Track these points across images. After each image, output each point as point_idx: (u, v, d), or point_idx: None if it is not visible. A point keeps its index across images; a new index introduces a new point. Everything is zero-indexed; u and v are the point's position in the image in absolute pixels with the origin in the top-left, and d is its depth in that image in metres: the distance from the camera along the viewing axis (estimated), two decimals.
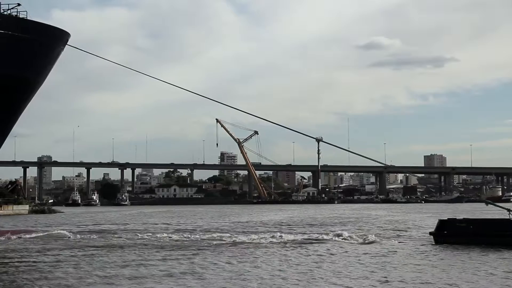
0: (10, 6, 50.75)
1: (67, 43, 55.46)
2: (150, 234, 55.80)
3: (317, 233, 55.66)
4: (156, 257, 36.80)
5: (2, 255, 39.44)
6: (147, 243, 46.62)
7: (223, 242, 47.38)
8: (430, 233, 46.06)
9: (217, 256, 37.65)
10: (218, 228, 68.79)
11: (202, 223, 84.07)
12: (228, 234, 54.19)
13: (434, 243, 44.06)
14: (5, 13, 50.78)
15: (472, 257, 35.71)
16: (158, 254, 38.85)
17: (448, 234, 43.49)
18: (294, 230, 64.00)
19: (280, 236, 51.02)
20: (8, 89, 51.72)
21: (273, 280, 27.64)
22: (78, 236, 54.50)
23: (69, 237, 52.96)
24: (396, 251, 39.85)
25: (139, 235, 54.67)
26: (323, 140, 55.66)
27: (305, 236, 52.15)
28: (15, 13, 51.16)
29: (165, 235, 54.54)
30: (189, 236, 53.32)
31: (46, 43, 53.23)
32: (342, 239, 48.92)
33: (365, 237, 50.13)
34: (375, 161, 54.16)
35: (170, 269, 31.47)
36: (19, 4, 50.75)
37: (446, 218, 47.00)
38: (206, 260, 35.25)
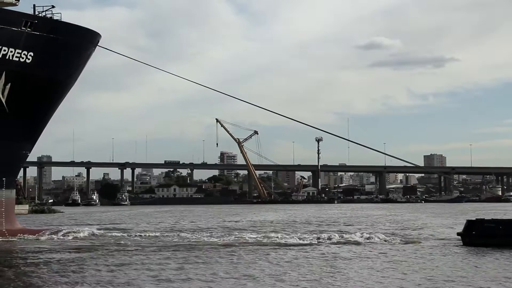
0: (45, 8, 51.02)
1: (98, 44, 55.63)
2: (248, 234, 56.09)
3: (348, 233, 55.71)
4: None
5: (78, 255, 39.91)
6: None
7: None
8: (458, 234, 45.97)
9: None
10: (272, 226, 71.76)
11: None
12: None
13: (462, 244, 44.03)
14: (40, 14, 50.90)
15: (505, 260, 35.69)
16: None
17: (477, 235, 43.35)
18: (326, 230, 64.06)
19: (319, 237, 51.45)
20: (41, 90, 51.95)
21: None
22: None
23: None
24: (426, 253, 39.86)
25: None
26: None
27: (338, 237, 52.25)
28: (50, 15, 51.34)
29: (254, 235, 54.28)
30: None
31: (79, 44, 53.50)
32: (374, 241, 48.64)
33: (392, 238, 50.10)
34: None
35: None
36: (53, 6, 51.00)
37: (474, 219, 46.94)
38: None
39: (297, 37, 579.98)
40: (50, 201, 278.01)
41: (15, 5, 52.64)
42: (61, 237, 53.24)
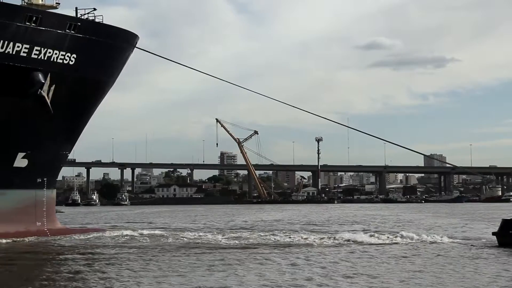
0: (87, 11, 52.00)
1: (136, 46, 56.49)
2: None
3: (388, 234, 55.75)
4: None
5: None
6: None
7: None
8: (493, 233, 46.37)
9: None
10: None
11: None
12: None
13: (498, 244, 44.34)
14: (82, 17, 51.75)
15: None
16: None
17: None
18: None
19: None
20: (83, 92, 52.72)
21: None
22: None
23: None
24: (464, 254, 40.32)
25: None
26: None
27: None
28: (92, 17, 52.18)
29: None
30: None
31: (119, 46, 54.33)
32: (412, 240, 49.36)
33: (427, 238, 50.67)
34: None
35: None
36: (95, 9, 51.96)
37: (510, 218, 47.48)
38: None
39: (297, 37, 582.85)
40: None
41: (55, 8, 53.60)
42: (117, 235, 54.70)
